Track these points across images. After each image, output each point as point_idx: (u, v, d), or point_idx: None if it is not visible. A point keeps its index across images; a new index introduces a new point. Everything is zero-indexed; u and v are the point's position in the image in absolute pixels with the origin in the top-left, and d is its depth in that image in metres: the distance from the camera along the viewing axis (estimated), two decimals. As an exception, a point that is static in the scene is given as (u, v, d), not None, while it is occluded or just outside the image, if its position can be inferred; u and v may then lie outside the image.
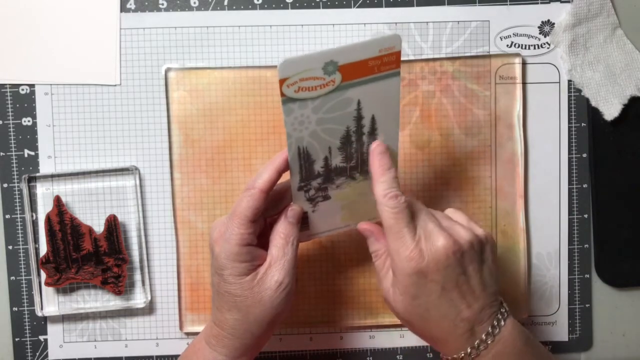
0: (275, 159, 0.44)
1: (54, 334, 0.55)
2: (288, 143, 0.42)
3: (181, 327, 0.55)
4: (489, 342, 0.42)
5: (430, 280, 0.42)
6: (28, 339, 0.55)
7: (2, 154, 0.54)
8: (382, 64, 0.41)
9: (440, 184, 0.55)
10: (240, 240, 0.43)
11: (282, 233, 0.45)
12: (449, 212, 0.47)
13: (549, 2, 0.55)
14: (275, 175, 0.44)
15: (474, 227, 0.45)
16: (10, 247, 0.54)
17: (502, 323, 0.43)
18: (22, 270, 0.54)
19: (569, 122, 0.56)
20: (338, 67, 0.40)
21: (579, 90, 0.55)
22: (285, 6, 0.54)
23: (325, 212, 0.47)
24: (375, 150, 0.45)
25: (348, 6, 0.54)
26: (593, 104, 0.55)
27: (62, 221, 0.53)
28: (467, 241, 0.43)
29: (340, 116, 0.42)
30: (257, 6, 0.54)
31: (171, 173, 0.54)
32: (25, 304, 0.54)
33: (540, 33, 0.55)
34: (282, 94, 0.40)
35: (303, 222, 0.47)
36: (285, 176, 0.45)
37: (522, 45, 0.55)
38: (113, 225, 0.53)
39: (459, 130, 0.55)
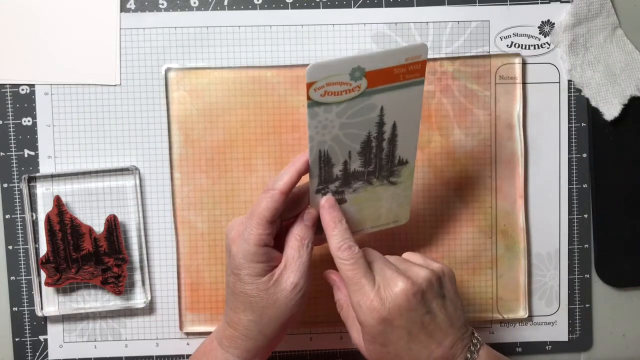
0: (296, 161, 0.44)
1: (54, 334, 0.55)
2: (310, 146, 0.42)
3: (181, 327, 0.55)
4: None
5: (396, 326, 0.42)
6: (28, 339, 0.55)
7: (2, 154, 0.54)
8: (407, 72, 0.41)
9: (440, 184, 0.55)
10: (259, 241, 0.43)
11: (298, 235, 0.45)
12: (406, 255, 0.47)
13: (549, 2, 0.55)
14: (296, 177, 0.44)
15: (430, 263, 0.45)
16: (10, 247, 0.54)
17: (476, 355, 0.43)
18: (22, 270, 0.54)
19: (569, 122, 0.56)
20: (365, 73, 0.40)
21: (579, 90, 0.55)
22: (285, 6, 0.54)
23: None
24: (325, 206, 0.45)
25: (348, 6, 0.54)
26: (593, 104, 0.55)
27: (62, 221, 0.53)
28: (425, 279, 0.42)
29: (362, 121, 0.43)
30: (257, 6, 0.54)
31: (171, 173, 0.54)
32: (25, 304, 0.54)
33: (540, 33, 0.55)
34: (309, 98, 0.40)
35: (318, 226, 0.47)
36: (304, 179, 0.45)
37: (522, 45, 0.55)
38: (113, 225, 0.53)
39: (459, 130, 0.55)
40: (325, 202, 0.46)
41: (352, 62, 0.40)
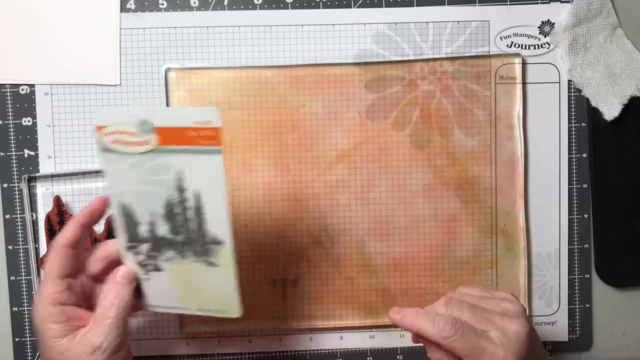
0: (80, 212, 0.43)
1: (54, 334, 0.55)
2: (109, 194, 0.42)
3: (181, 327, 0.55)
4: None
5: None
6: (28, 339, 0.55)
7: (2, 154, 0.54)
8: (199, 136, 0.39)
9: (440, 184, 0.55)
10: (52, 300, 0.41)
11: (109, 294, 0.42)
12: (464, 291, 0.48)
13: (549, 2, 0.55)
14: (78, 229, 0.42)
15: (503, 295, 0.46)
16: (10, 247, 0.54)
17: None
18: (22, 270, 0.54)
19: (569, 122, 0.56)
20: (153, 128, 0.39)
21: (579, 90, 0.55)
22: (285, 6, 0.54)
23: (160, 285, 0.44)
24: (397, 317, 0.45)
25: (348, 6, 0.54)
26: (593, 104, 0.55)
27: (62, 221, 0.53)
28: (523, 312, 0.44)
29: (160, 181, 0.41)
30: (257, 6, 0.54)
31: (171, 173, 0.54)
32: (25, 304, 0.54)
33: (540, 33, 0.55)
34: (99, 142, 0.40)
35: (139, 289, 0.44)
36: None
37: (522, 45, 0.55)
38: (113, 225, 0.53)
39: (459, 130, 0.55)
40: (396, 314, 0.45)
41: (140, 114, 0.39)
